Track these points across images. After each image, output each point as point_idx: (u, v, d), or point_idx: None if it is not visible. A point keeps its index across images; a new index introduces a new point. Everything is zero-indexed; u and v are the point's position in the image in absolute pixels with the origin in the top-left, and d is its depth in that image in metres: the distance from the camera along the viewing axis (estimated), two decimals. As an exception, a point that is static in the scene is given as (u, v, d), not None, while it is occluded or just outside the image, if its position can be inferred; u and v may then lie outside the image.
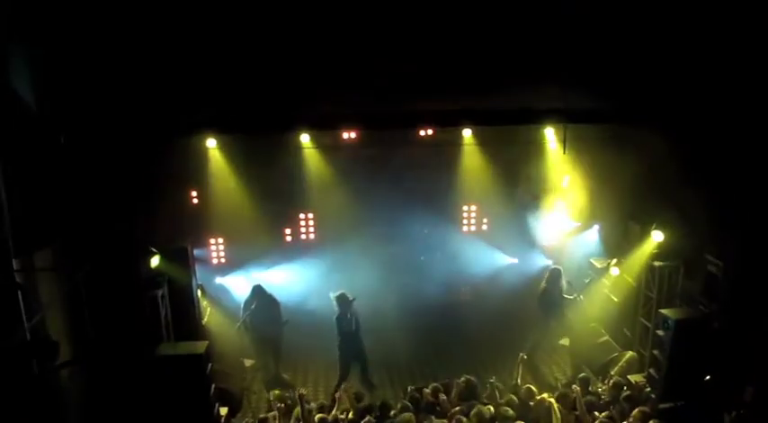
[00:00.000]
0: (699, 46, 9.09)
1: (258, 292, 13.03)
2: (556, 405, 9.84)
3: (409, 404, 10.22)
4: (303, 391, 10.42)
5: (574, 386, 10.48)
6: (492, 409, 9.91)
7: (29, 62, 7.65)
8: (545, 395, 10.36)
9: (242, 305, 13.17)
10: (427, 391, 10.71)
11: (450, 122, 11.65)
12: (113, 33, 8.29)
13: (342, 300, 12.38)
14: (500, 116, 10.13)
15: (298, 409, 9.94)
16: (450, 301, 16.02)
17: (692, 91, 9.53)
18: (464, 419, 9.55)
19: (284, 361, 13.47)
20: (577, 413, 9.81)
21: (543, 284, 13.67)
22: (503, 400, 10.23)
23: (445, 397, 10.36)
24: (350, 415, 10.25)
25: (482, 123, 12.13)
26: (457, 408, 10.10)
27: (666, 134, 11.94)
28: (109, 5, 8.20)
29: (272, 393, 11.19)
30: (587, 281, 14.01)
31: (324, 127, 12.48)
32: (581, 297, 13.81)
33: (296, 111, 10.18)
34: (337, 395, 10.91)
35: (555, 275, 13.56)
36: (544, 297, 13.62)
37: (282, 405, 10.03)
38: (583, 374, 11.79)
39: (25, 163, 7.43)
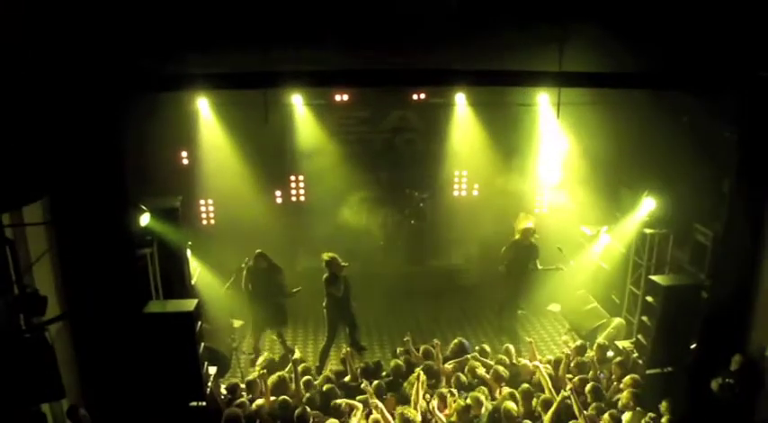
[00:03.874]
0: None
1: (261, 258, 12.61)
2: (543, 368, 9.90)
3: (402, 364, 10.29)
4: (298, 355, 10.49)
5: (566, 350, 10.58)
6: (482, 368, 10.05)
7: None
8: (531, 361, 10.44)
9: (244, 271, 12.68)
10: (419, 351, 10.79)
11: (443, 81, 11.46)
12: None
13: (332, 263, 11.99)
14: (494, 76, 9.93)
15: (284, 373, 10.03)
16: (440, 265, 16.08)
17: (692, 56, 9.37)
18: (462, 375, 9.82)
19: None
20: (570, 376, 9.86)
21: (511, 241, 13.51)
22: (493, 361, 10.36)
23: (439, 355, 10.46)
24: (346, 379, 10.31)
25: (476, 84, 11.93)
26: (449, 364, 10.27)
27: (659, 100, 11.93)
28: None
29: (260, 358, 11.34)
30: (579, 248, 13.98)
31: (315, 84, 12.23)
32: (572, 263, 13.85)
33: (287, 66, 9.93)
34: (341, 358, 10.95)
35: (526, 233, 13.39)
36: (507, 255, 13.50)
37: (266, 371, 10.03)
38: (580, 342, 11.75)
39: (12, 115, 7.29)
